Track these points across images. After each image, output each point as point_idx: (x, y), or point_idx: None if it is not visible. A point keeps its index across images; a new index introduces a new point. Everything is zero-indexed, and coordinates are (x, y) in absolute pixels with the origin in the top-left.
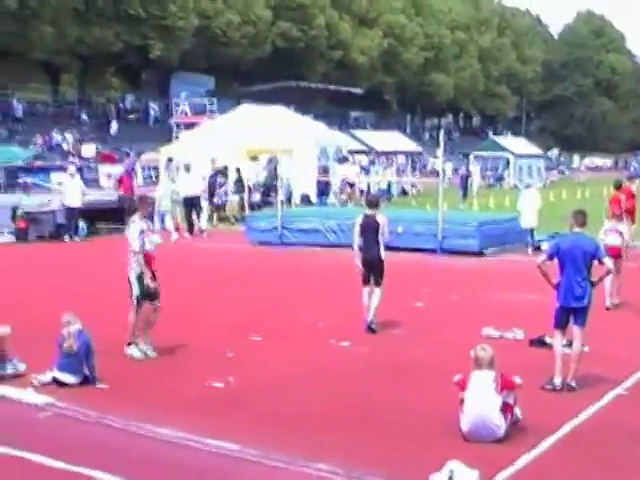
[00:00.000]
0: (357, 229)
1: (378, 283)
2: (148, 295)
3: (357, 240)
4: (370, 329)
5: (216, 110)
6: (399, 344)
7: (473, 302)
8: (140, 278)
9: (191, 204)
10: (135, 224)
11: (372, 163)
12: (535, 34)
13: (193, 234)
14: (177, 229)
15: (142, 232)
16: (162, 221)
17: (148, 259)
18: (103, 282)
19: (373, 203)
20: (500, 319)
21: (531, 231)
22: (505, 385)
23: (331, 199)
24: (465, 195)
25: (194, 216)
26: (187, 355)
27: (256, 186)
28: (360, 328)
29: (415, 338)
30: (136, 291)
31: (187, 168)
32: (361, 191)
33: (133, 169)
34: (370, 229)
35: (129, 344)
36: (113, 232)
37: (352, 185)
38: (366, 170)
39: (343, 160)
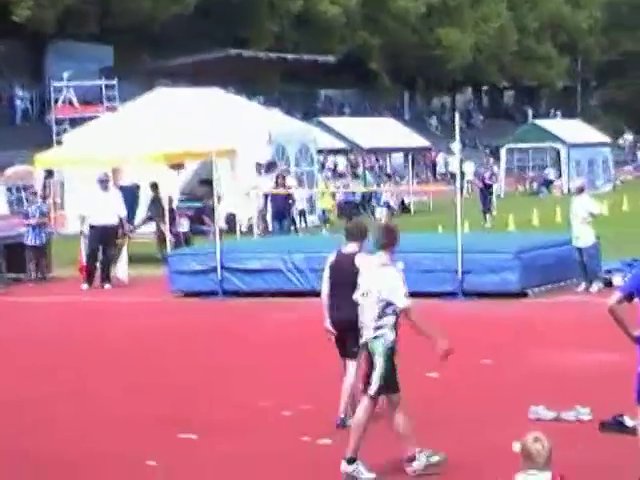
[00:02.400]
0: (327, 273)
1: (351, 353)
2: (393, 382)
3: (326, 290)
4: (343, 425)
5: (117, 96)
6: None
7: (514, 368)
8: (390, 353)
9: (101, 239)
10: (390, 267)
11: (354, 167)
12: None
13: (93, 285)
14: (81, 271)
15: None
16: None
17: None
18: None
19: (354, 233)
20: (555, 392)
21: (580, 252)
22: None
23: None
24: (488, 209)
25: (100, 257)
26: (85, 465)
27: (182, 209)
28: None
29: (429, 426)
30: (381, 370)
31: (104, 184)
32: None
33: None
34: (343, 275)
35: (352, 460)
36: None
37: None
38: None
39: (268, 168)
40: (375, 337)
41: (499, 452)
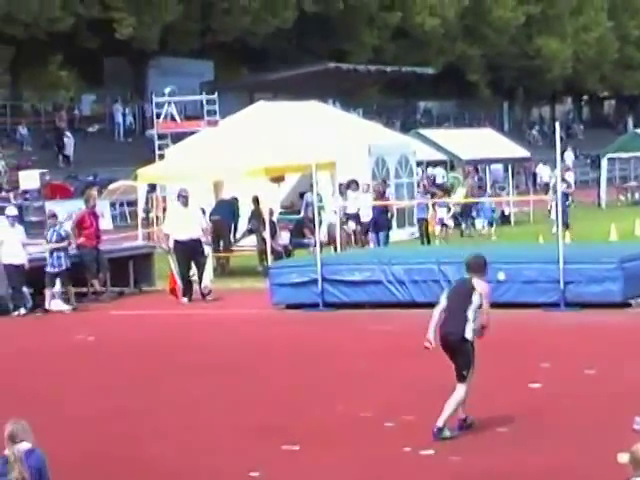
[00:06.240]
0: (446, 292)
1: (460, 376)
2: None
3: (441, 306)
4: (440, 436)
5: (217, 111)
6: (510, 448)
7: (618, 378)
8: None
9: (188, 253)
10: None
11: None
12: None
13: (192, 299)
14: (172, 291)
15: None
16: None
17: None
18: (65, 379)
19: (472, 267)
20: None
21: None
22: None
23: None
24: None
25: (193, 271)
26: (189, 476)
27: (283, 222)
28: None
29: (533, 438)
30: None
31: (184, 199)
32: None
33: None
34: (459, 292)
35: None
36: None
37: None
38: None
39: (348, 187)
40: None
41: (605, 461)
